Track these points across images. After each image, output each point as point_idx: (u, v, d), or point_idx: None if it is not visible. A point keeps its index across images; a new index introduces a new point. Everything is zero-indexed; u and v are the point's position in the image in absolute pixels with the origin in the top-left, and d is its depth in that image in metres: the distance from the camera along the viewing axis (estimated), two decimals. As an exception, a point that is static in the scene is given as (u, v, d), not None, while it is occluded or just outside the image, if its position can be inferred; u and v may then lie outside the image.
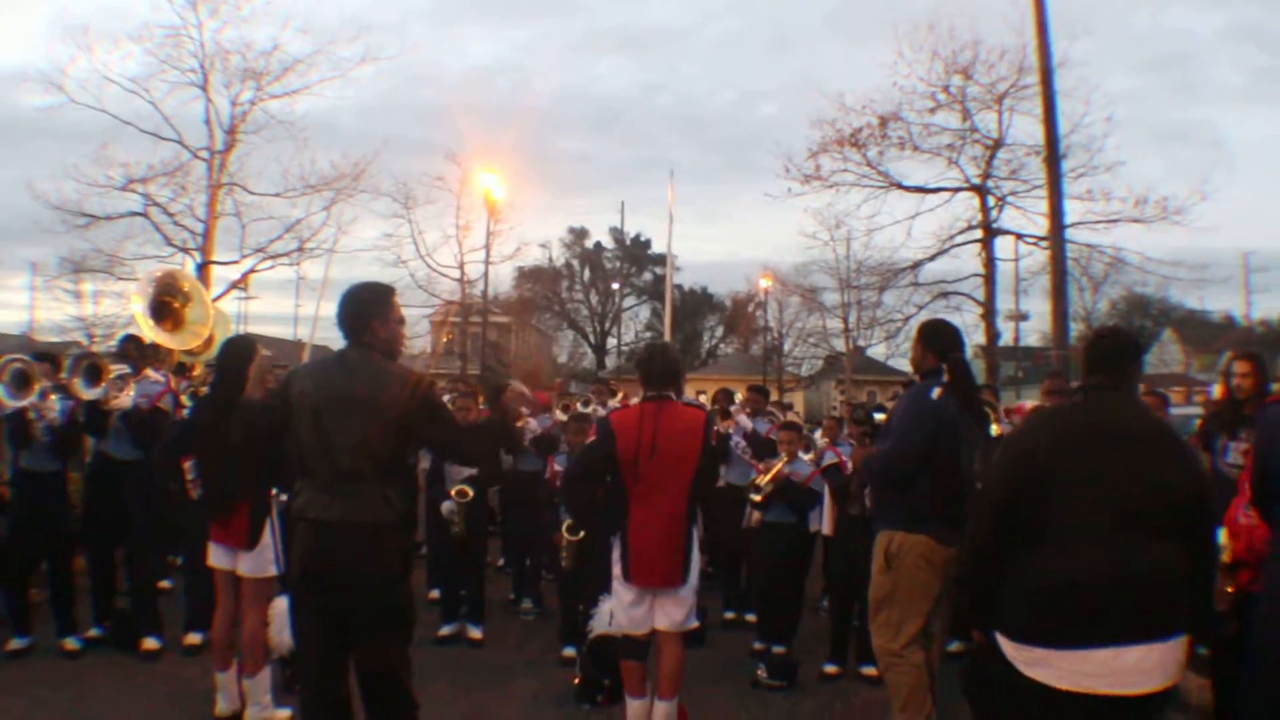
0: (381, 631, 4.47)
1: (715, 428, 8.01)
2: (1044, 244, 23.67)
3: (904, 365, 49.95)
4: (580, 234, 73.14)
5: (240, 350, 6.29)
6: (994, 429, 8.04)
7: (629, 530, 5.64)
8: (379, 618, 4.45)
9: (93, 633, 7.89)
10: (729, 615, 9.45)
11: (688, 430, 5.65)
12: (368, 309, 4.65)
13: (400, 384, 4.53)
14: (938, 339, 5.86)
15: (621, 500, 5.67)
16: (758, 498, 7.98)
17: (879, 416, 8.64)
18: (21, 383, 7.06)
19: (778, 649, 7.93)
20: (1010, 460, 3.88)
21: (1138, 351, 4.23)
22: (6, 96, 75.03)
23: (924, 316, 28.06)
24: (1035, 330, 48.17)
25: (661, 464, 5.56)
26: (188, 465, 7.13)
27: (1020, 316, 38.50)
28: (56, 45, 52.33)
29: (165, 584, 9.26)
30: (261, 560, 6.17)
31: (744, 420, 9.23)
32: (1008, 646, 3.70)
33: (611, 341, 71.19)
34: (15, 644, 7.51)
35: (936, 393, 5.60)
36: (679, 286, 71.23)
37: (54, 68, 26.89)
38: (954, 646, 8.11)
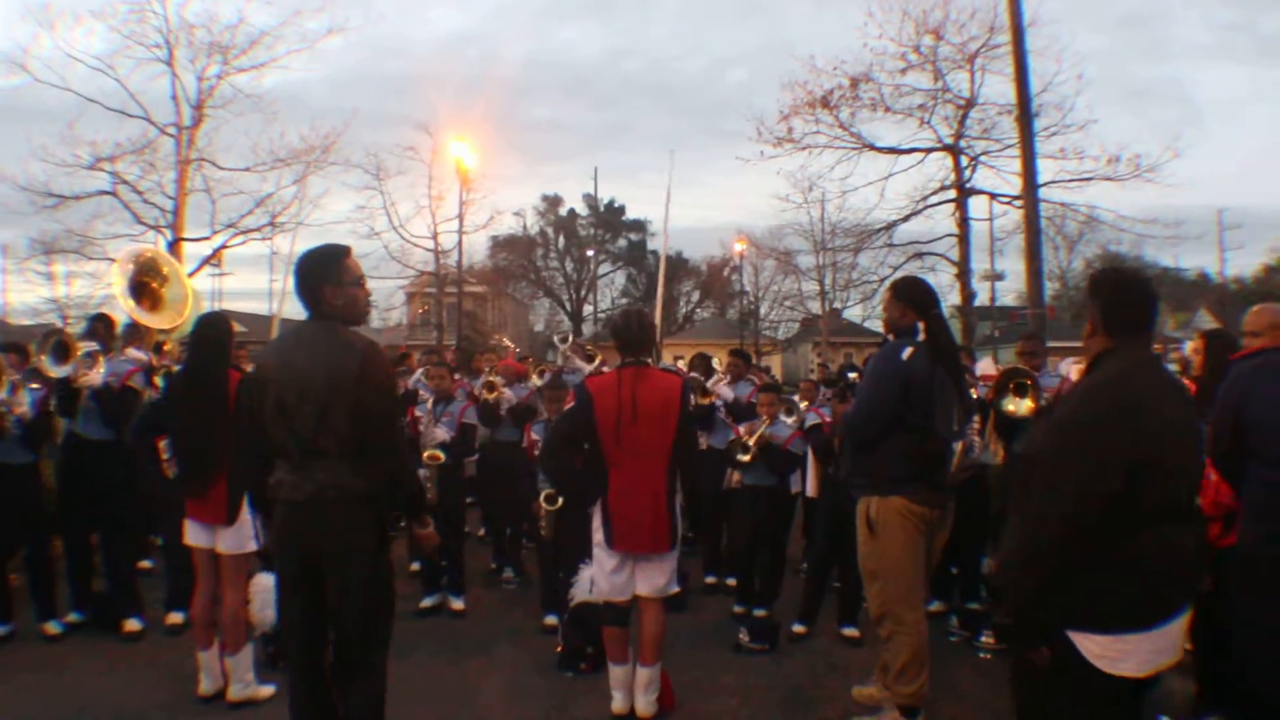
0: (358, 603, 4.40)
1: (694, 397, 7.96)
2: (1018, 203, 23.59)
3: (880, 327, 50.20)
4: (554, 201, 73.01)
5: (213, 328, 6.27)
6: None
7: (610, 497, 5.64)
8: (354, 590, 4.38)
9: (72, 617, 7.85)
10: (710, 579, 9.45)
11: (666, 396, 5.64)
12: (316, 276, 4.52)
13: (349, 355, 4.37)
14: (917, 295, 5.72)
15: (601, 467, 5.67)
16: (745, 457, 7.95)
17: (851, 376, 8.66)
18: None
19: (759, 612, 7.97)
20: (1119, 440, 3.38)
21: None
22: (-32, 80, 74.22)
23: (899, 277, 28.12)
24: (1011, 290, 48.31)
25: (641, 430, 5.56)
26: (162, 444, 7.08)
27: (996, 276, 38.62)
28: (18, 25, 51.53)
29: (146, 564, 9.22)
30: (240, 536, 6.14)
31: (724, 391, 9.21)
32: (1092, 644, 3.45)
33: (588, 308, 71.10)
34: (-3, 631, 7.48)
35: (908, 352, 5.51)
36: (654, 252, 71.21)
37: (16, 47, 26.59)
38: (934, 606, 8.20)
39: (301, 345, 4.49)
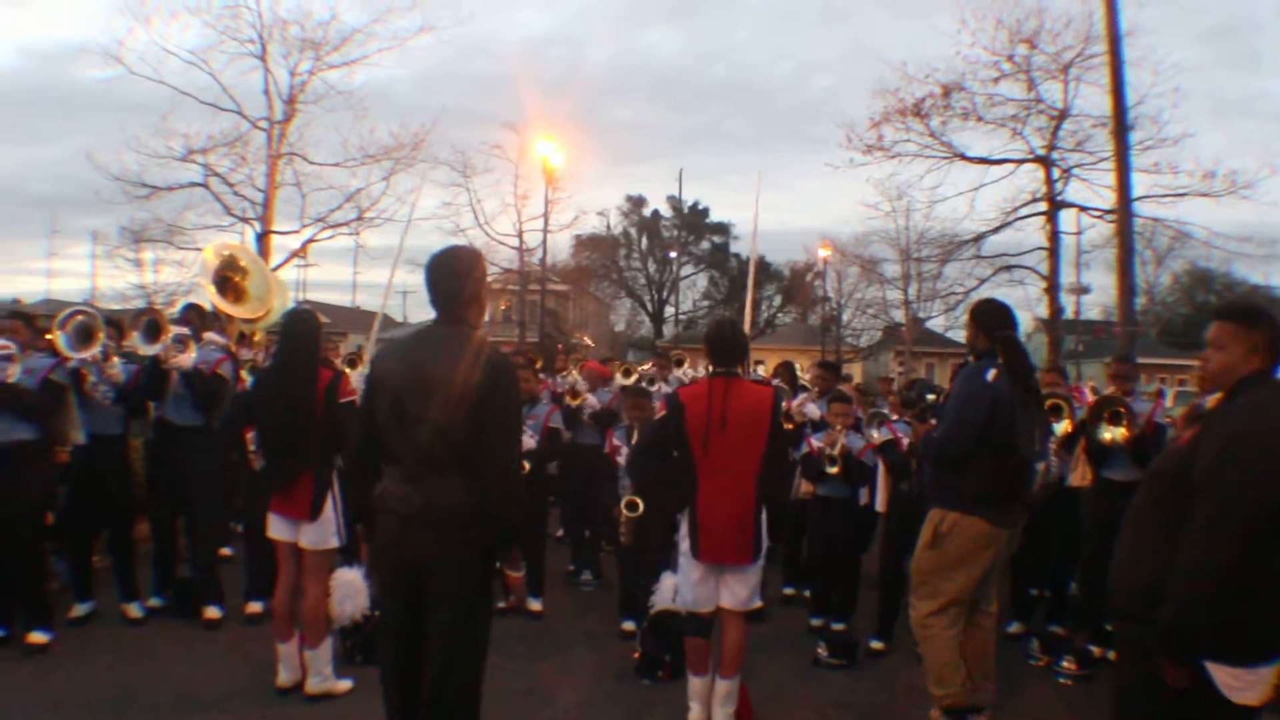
0: (457, 622, 4.28)
1: (783, 408, 7.87)
2: (1109, 217, 23.19)
3: (963, 337, 49.66)
4: (638, 202, 73.11)
5: (303, 324, 6.32)
6: (1064, 424, 7.90)
7: (698, 507, 5.56)
8: (456, 609, 4.26)
9: (154, 602, 7.95)
10: (788, 590, 9.38)
11: (757, 408, 5.56)
12: (461, 277, 4.37)
13: (483, 367, 4.20)
14: (989, 319, 5.84)
15: (690, 476, 5.59)
16: (834, 469, 7.87)
17: (930, 396, 8.56)
18: (84, 336, 7.07)
19: (837, 625, 7.91)
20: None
21: None
22: (67, 70, 76.16)
23: (986, 290, 27.80)
24: (1096, 303, 47.59)
25: (731, 440, 5.48)
26: (250, 436, 7.14)
27: (1081, 290, 37.97)
28: (115, 18, 52.56)
29: (226, 551, 9.31)
30: (324, 532, 6.16)
31: (811, 410, 9.05)
32: (1228, 675, 3.40)
33: (669, 310, 71.12)
34: (78, 610, 7.56)
35: (992, 374, 5.57)
36: (736, 255, 71.05)
37: (112, 40, 27.07)
38: (1013, 628, 8.08)
39: (430, 350, 4.31)
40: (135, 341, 7.41)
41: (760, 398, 5.64)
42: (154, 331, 7.44)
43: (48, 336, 7.41)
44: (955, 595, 5.66)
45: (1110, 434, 7.34)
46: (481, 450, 4.17)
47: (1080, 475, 7.89)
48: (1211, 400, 3.92)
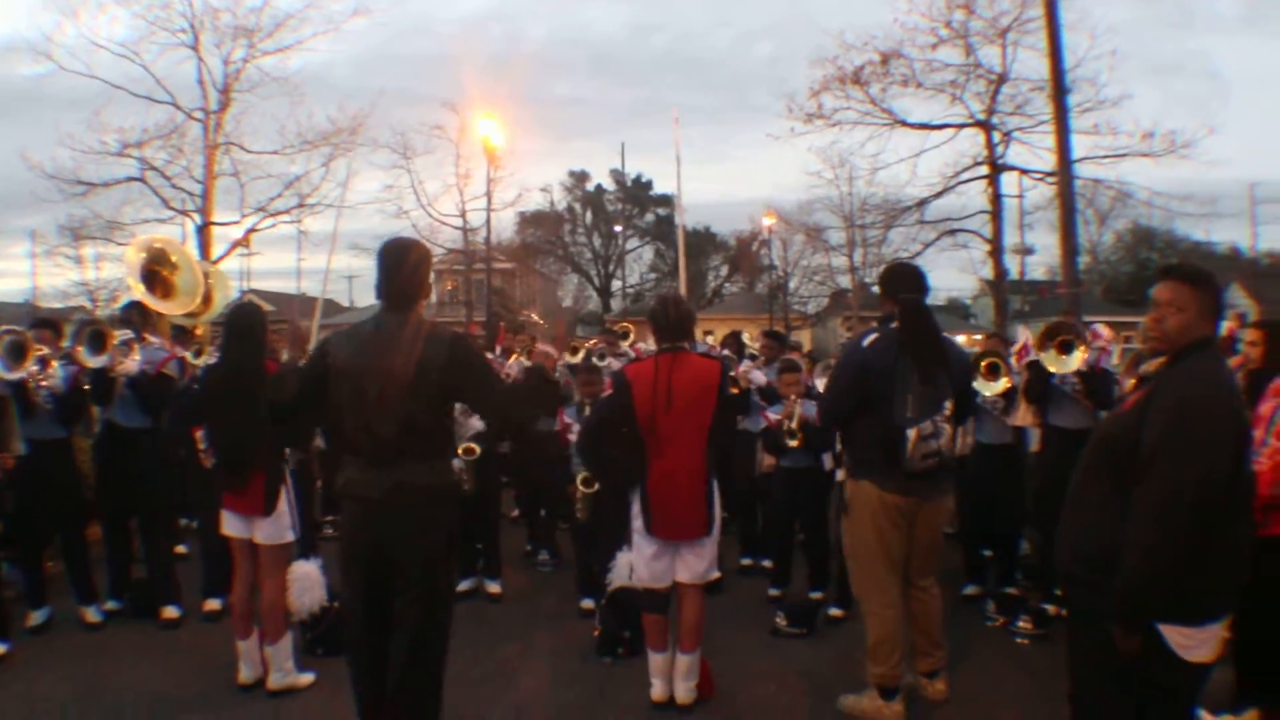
0: (423, 608, 4.45)
1: (731, 376, 7.89)
2: (1050, 179, 23.39)
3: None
4: (581, 177, 72.79)
5: (248, 317, 6.29)
6: (1002, 383, 7.92)
7: (649, 484, 5.61)
8: (421, 596, 4.43)
9: (111, 605, 7.89)
10: (745, 561, 9.43)
11: (703, 381, 5.60)
12: (412, 268, 4.58)
13: (438, 348, 4.42)
14: (892, 282, 5.88)
15: (639, 453, 5.64)
16: (795, 442, 7.87)
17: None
18: (16, 354, 6.97)
19: (814, 594, 8.07)
20: (1231, 423, 3.49)
21: None
22: (-2, 69, 74.77)
23: (930, 254, 28.06)
24: (1041, 263, 48.01)
25: (679, 416, 5.52)
26: (199, 434, 7.09)
27: (1025, 250, 38.38)
28: (41, 13, 51.65)
29: (180, 549, 9.26)
30: (279, 526, 6.15)
31: (756, 376, 9.08)
32: (1180, 635, 3.48)
33: (616, 284, 71.08)
34: (35, 618, 7.50)
35: (869, 340, 5.62)
36: (682, 226, 70.90)
37: (41, 36, 26.64)
38: (969, 590, 8.17)
39: (385, 340, 4.46)
40: (79, 353, 7.32)
41: (707, 371, 5.67)
42: (99, 342, 7.37)
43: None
44: (871, 565, 5.69)
45: (1058, 366, 7.35)
46: (443, 432, 4.45)
47: (1022, 416, 8.00)
48: (1154, 363, 3.95)
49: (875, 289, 44.42)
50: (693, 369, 5.63)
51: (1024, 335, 8.34)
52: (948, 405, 5.35)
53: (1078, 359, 7.28)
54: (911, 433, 5.28)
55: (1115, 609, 3.47)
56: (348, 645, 4.77)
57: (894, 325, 5.53)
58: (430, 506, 4.41)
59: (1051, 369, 7.39)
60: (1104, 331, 7.74)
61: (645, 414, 5.54)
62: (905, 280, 5.79)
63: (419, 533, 4.41)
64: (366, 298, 49.14)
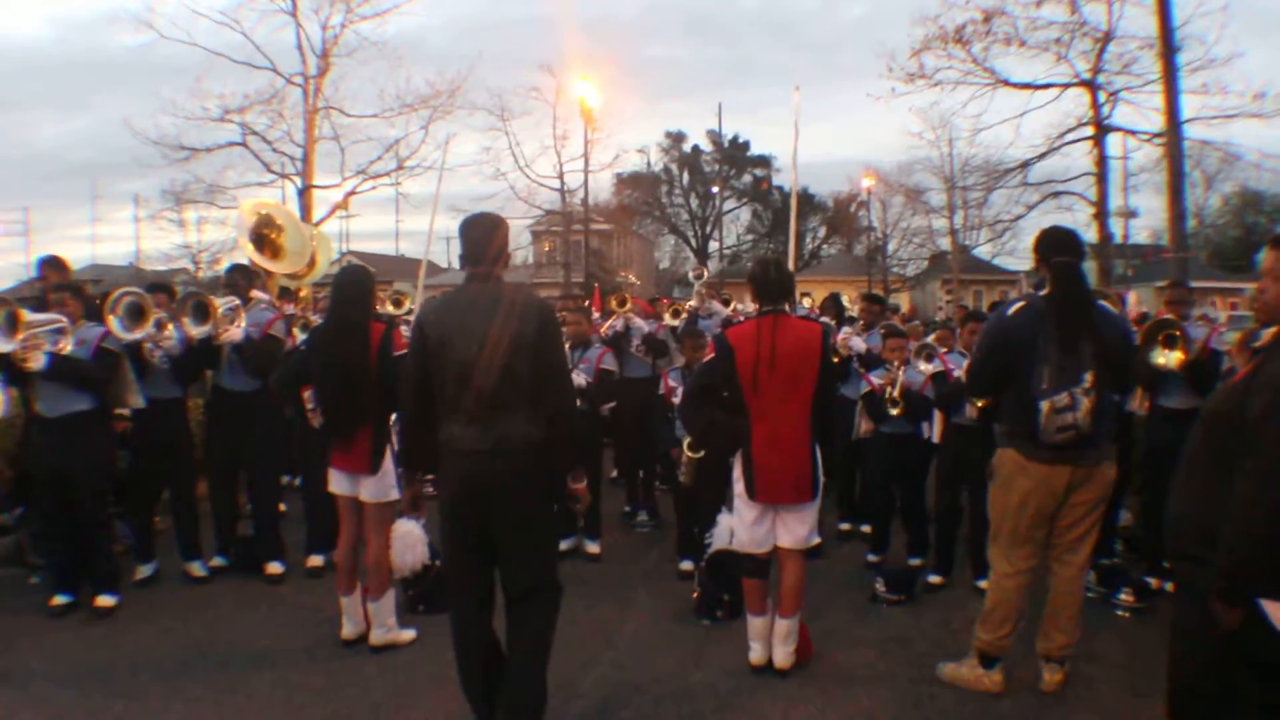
0: (531, 539, 4.76)
1: (831, 342, 7.80)
2: (1157, 141, 22.77)
3: (1011, 263, 49.07)
4: (678, 138, 72.59)
5: (355, 280, 6.37)
6: (1176, 355, 7.59)
7: (753, 447, 5.58)
8: (526, 527, 4.72)
9: (217, 561, 8.07)
10: (844, 526, 9.37)
11: (805, 345, 5.55)
12: (493, 244, 4.82)
13: (529, 313, 4.66)
14: (1044, 246, 5.61)
15: (743, 417, 5.60)
16: (896, 411, 7.83)
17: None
18: (136, 315, 7.12)
19: (914, 561, 8.02)
20: None
21: None
22: (100, 38, 76.71)
23: (1033, 217, 27.50)
24: (1144, 226, 46.95)
25: (781, 379, 5.48)
26: (306, 394, 7.19)
27: (1129, 214, 37.49)
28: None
29: (282, 506, 9.44)
30: (384, 485, 6.23)
31: (856, 344, 8.96)
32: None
33: (713, 245, 70.88)
34: (142, 571, 7.70)
35: (1013, 309, 5.51)
36: (780, 188, 70.51)
37: (143, 6, 27.13)
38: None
39: (481, 307, 4.68)
40: (185, 325, 7.49)
41: (809, 334, 5.63)
42: (202, 313, 7.55)
43: (97, 303, 7.48)
44: (1007, 533, 5.56)
45: (1165, 358, 7.18)
46: (539, 391, 4.65)
47: (1139, 401, 7.80)
48: (1267, 334, 3.80)
49: (976, 254, 43.91)
50: (795, 332, 5.58)
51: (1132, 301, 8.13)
52: (1087, 377, 5.19)
53: (1177, 358, 7.14)
54: (1044, 404, 5.16)
55: (1217, 582, 3.36)
56: (453, 593, 4.96)
57: (1044, 293, 5.42)
58: (529, 456, 4.64)
59: (1159, 362, 7.20)
60: (1218, 308, 7.54)
61: (748, 378, 5.51)
62: (1060, 244, 5.57)
63: (522, 481, 4.64)
64: (464, 259, 49.60)
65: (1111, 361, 5.35)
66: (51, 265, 8.67)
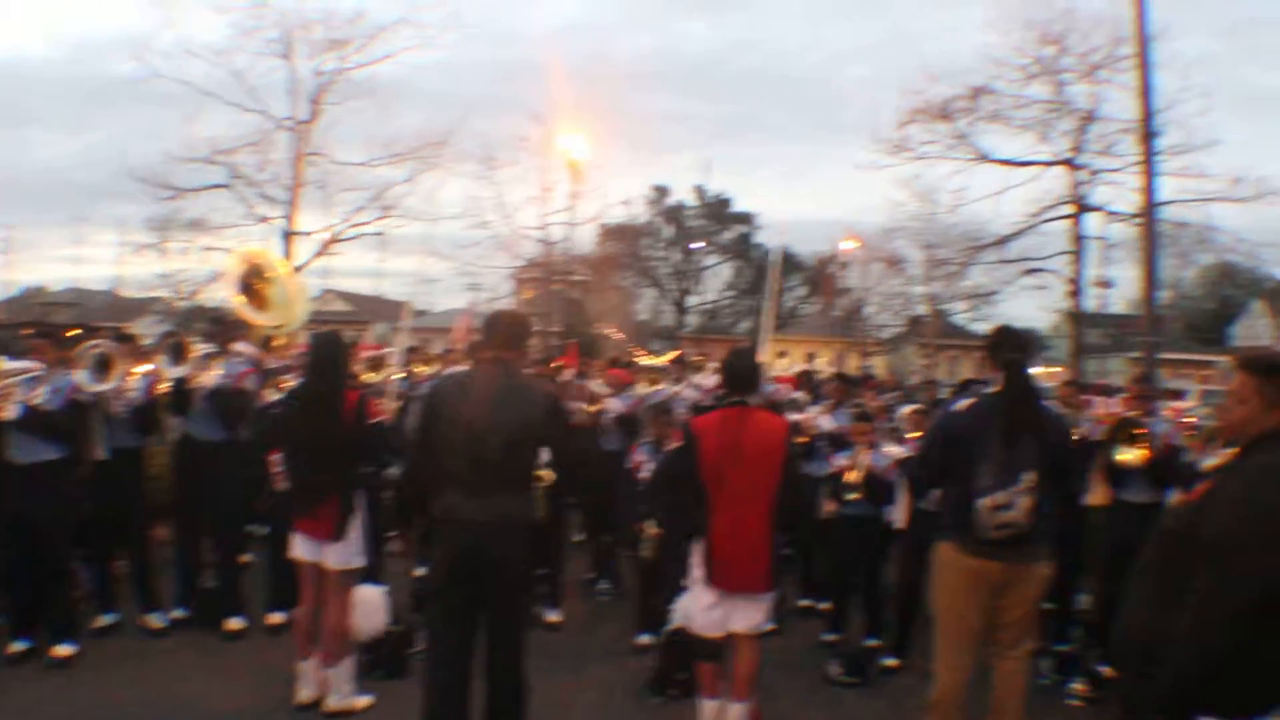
0: (517, 610, 5.37)
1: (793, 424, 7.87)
2: (1136, 220, 23.02)
3: (987, 330, 49.29)
4: (663, 191, 72.78)
5: (331, 347, 6.43)
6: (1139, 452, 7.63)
7: (712, 536, 5.64)
8: (517, 596, 5.35)
9: (177, 613, 8.03)
10: (803, 603, 9.36)
11: (770, 439, 5.65)
12: (518, 338, 5.55)
13: (541, 404, 5.33)
14: (997, 344, 5.73)
15: (704, 506, 5.67)
16: (854, 496, 7.88)
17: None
18: (103, 367, 7.17)
19: (871, 642, 8.02)
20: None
21: None
22: (100, 63, 76.93)
23: (1011, 290, 27.73)
24: (1122, 296, 47.19)
25: (745, 472, 5.56)
26: (274, 457, 7.23)
27: (1105, 284, 37.75)
28: (145, 13, 52.77)
29: (246, 557, 9.43)
30: (348, 552, 6.28)
31: (822, 424, 9.06)
32: None
33: (693, 299, 70.91)
34: (103, 620, 7.69)
35: (962, 405, 5.71)
36: (759, 246, 70.75)
37: (142, 36, 27.24)
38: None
39: (494, 392, 5.20)
40: (159, 364, 7.55)
41: (774, 429, 5.73)
42: (179, 353, 7.59)
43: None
44: (944, 626, 5.60)
45: (1128, 455, 7.32)
46: (561, 459, 5.83)
47: (1100, 496, 7.90)
48: (1223, 455, 3.86)
49: (953, 320, 44.22)
50: (760, 425, 5.67)
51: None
52: (1026, 477, 5.26)
53: (1140, 455, 7.27)
54: (983, 502, 5.24)
55: (1157, 701, 3.42)
56: (431, 658, 5.31)
57: (993, 390, 5.53)
58: (523, 532, 5.21)
59: (1121, 459, 7.36)
60: (1193, 381, 7.73)
61: (712, 468, 5.59)
62: (1012, 343, 5.69)
63: (513, 555, 5.17)
64: (446, 301, 49.57)
65: (1053, 461, 5.44)
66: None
